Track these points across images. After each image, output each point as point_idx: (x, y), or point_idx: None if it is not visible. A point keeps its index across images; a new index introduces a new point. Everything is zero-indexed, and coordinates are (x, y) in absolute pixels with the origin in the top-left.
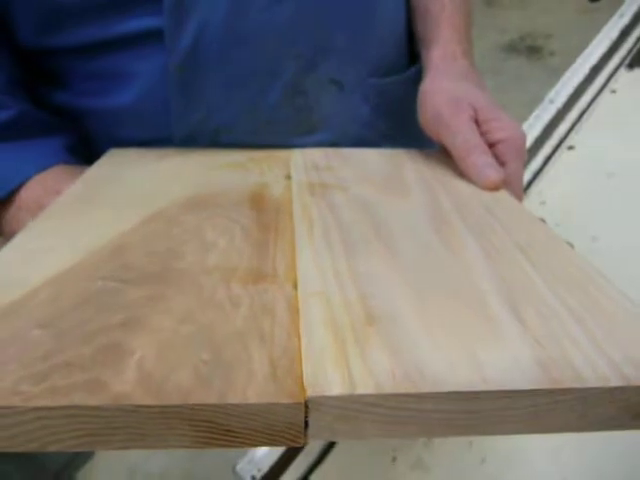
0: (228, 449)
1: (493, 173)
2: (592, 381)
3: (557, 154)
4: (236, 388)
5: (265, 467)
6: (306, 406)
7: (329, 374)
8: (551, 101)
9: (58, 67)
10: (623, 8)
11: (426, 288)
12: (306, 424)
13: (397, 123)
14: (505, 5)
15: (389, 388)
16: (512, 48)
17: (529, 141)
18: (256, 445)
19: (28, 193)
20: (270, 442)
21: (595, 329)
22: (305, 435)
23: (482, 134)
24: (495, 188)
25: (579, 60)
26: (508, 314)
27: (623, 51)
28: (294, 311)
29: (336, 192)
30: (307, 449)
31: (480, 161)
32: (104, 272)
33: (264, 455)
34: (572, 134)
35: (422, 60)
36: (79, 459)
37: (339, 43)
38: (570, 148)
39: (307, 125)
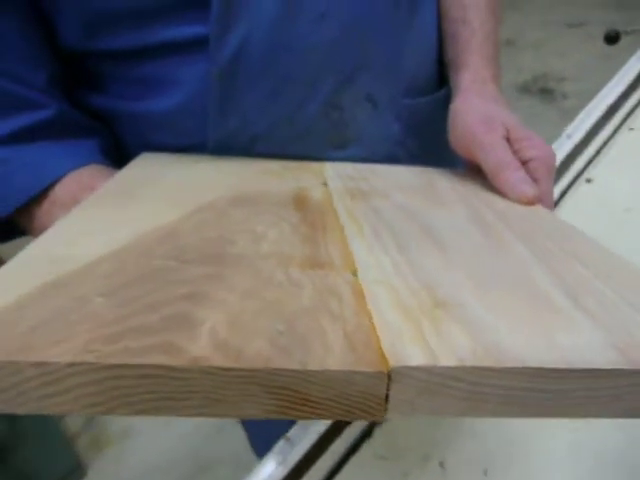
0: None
1: (528, 188)
2: None
3: (574, 187)
4: (315, 356)
5: None
6: (389, 377)
7: (408, 347)
8: (568, 136)
9: (100, 71)
10: None
11: (487, 281)
12: (386, 398)
13: (427, 143)
14: (522, 46)
15: (471, 361)
16: (525, 89)
17: None
18: (332, 417)
19: (63, 189)
20: (347, 415)
21: None
22: (385, 408)
23: (514, 152)
24: (530, 203)
25: (597, 98)
26: (571, 305)
27: None
28: (359, 295)
29: (377, 198)
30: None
31: (515, 177)
32: (161, 252)
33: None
34: (589, 168)
35: (451, 82)
36: (72, 476)
37: (377, 62)
38: (588, 181)
39: (340, 139)
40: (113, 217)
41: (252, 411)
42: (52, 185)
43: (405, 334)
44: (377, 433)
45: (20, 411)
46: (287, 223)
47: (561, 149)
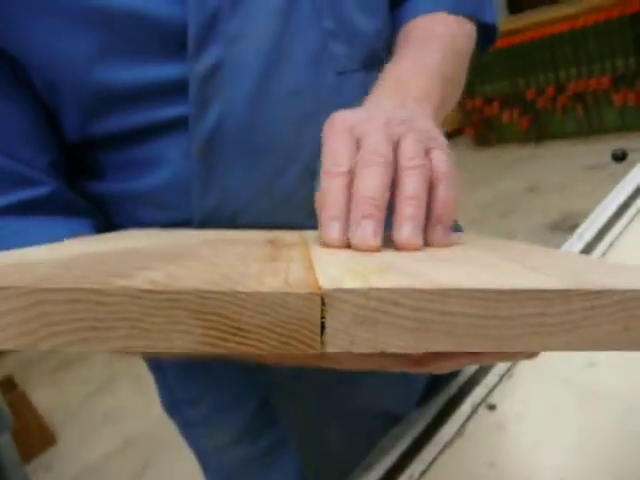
0: None
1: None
2: (632, 285)
3: None
4: (248, 284)
5: None
6: (322, 302)
7: (346, 282)
8: (580, 236)
9: (93, 159)
10: None
11: (440, 260)
12: (322, 328)
13: None
14: (546, 191)
15: (408, 285)
16: (556, 227)
17: None
18: (267, 350)
19: None
20: (283, 346)
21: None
22: (322, 341)
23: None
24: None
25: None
26: (519, 267)
27: None
28: (309, 267)
29: None
30: None
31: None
32: (123, 252)
33: None
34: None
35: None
36: None
37: None
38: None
39: None
40: (91, 245)
41: (181, 342)
42: None
43: (345, 277)
44: None
45: None
46: (255, 246)
47: (573, 248)
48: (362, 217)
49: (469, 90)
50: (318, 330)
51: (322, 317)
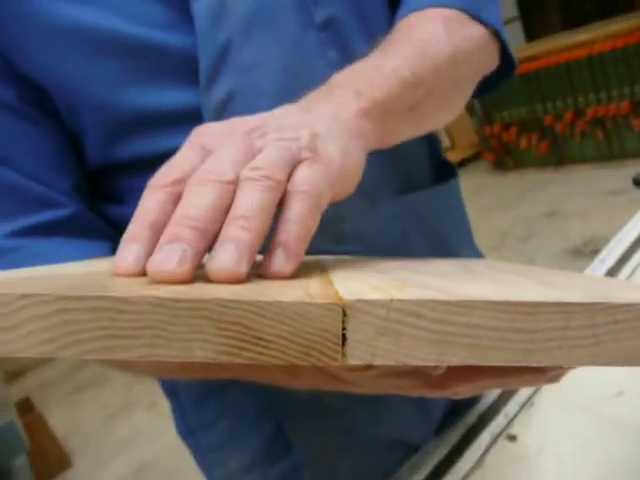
0: None
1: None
2: None
3: None
4: (270, 294)
5: None
6: (344, 313)
7: (367, 294)
8: (602, 261)
9: (116, 184)
10: None
11: (461, 278)
12: (344, 339)
13: (429, 238)
14: (566, 216)
15: (431, 297)
16: (578, 252)
17: None
18: (288, 361)
19: None
20: (303, 357)
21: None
22: (343, 352)
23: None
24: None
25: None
26: (541, 285)
27: None
28: (327, 282)
29: (370, 261)
30: None
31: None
32: None
33: None
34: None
35: None
36: None
37: (369, 159)
38: None
39: (338, 234)
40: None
41: (202, 352)
42: None
43: (365, 290)
44: None
45: None
46: None
47: (596, 271)
48: (169, 239)
49: (487, 116)
50: (339, 341)
51: (343, 328)
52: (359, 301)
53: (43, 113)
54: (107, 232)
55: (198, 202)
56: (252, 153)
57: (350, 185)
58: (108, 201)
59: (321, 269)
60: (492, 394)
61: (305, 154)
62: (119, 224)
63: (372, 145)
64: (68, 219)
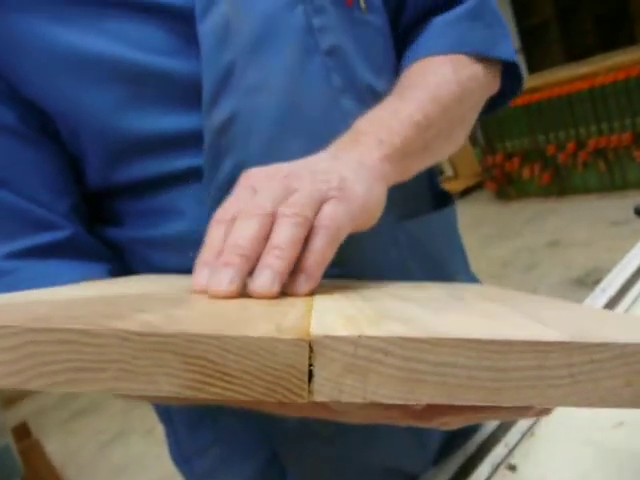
0: None
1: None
2: (634, 339)
3: None
4: (236, 328)
5: None
6: (310, 348)
7: (338, 329)
8: (603, 290)
9: (114, 207)
10: None
11: (444, 308)
12: (310, 375)
13: (427, 262)
14: (568, 245)
15: (400, 333)
16: (581, 283)
17: None
18: (253, 397)
19: None
20: (269, 393)
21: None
22: (309, 389)
23: None
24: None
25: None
26: (524, 317)
27: None
28: (306, 313)
29: (363, 284)
30: None
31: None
32: (131, 293)
33: None
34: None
35: None
36: None
37: None
38: None
39: (338, 257)
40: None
41: (167, 386)
42: None
43: (338, 324)
44: None
45: None
46: None
47: (596, 302)
48: (223, 264)
49: (490, 146)
50: (305, 378)
51: (310, 364)
52: (327, 337)
53: (44, 136)
54: (105, 254)
55: (243, 233)
56: (289, 192)
57: (373, 218)
58: (107, 223)
59: (311, 294)
60: (492, 424)
61: (332, 193)
62: (118, 246)
63: (391, 183)
64: (66, 241)
